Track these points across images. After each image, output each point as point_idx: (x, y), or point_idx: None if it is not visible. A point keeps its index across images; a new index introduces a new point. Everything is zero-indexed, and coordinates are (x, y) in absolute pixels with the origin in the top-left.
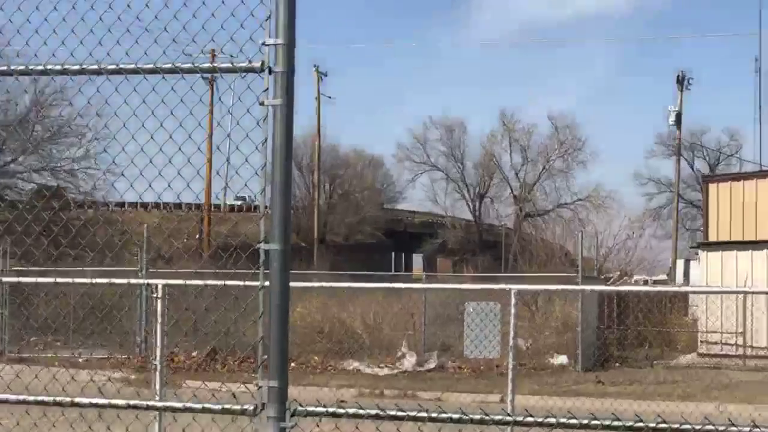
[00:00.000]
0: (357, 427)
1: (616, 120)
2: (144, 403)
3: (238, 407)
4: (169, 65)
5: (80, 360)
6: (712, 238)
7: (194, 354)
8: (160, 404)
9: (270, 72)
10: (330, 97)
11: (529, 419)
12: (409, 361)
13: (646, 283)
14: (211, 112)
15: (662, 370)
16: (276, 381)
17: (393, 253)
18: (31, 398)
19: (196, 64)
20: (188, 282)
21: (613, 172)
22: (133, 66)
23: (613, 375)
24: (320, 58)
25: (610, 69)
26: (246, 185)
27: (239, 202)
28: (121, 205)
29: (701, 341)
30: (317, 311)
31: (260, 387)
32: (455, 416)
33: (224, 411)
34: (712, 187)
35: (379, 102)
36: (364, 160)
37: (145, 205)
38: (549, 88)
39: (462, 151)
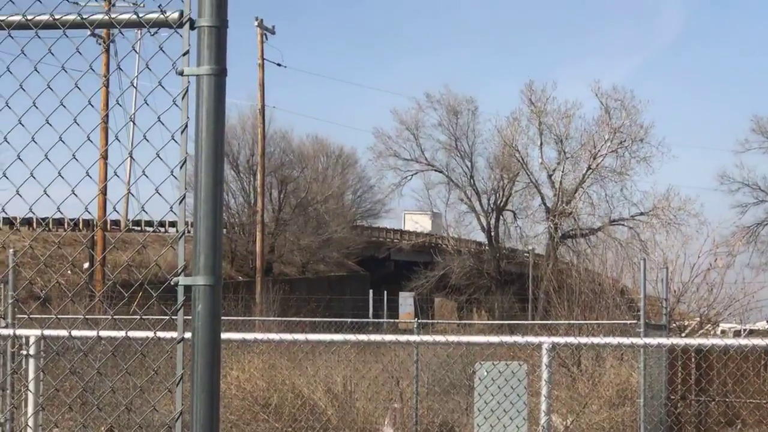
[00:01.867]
0: None
1: (692, 98)
2: None
3: None
4: (45, 17)
5: None
6: None
7: None
8: None
9: (192, 27)
10: (279, 65)
11: None
12: None
13: (738, 334)
14: (107, 85)
15: None
16: None
17: (371, 291)
18: None
19: (84, 16)
20: (74, 333)
21: (689, 174)
22: None
23: None
24: (264, 9)
25: (684, 24)
26: (157, 192)
27: (148, 218)
28: None
29: None
30: (261, 375)
31: None
32: None
33: None
34: None
35: (351, 71)
36: (328, 155)
37: (9, 221)
38: (597, 53)
39: (471, 143)
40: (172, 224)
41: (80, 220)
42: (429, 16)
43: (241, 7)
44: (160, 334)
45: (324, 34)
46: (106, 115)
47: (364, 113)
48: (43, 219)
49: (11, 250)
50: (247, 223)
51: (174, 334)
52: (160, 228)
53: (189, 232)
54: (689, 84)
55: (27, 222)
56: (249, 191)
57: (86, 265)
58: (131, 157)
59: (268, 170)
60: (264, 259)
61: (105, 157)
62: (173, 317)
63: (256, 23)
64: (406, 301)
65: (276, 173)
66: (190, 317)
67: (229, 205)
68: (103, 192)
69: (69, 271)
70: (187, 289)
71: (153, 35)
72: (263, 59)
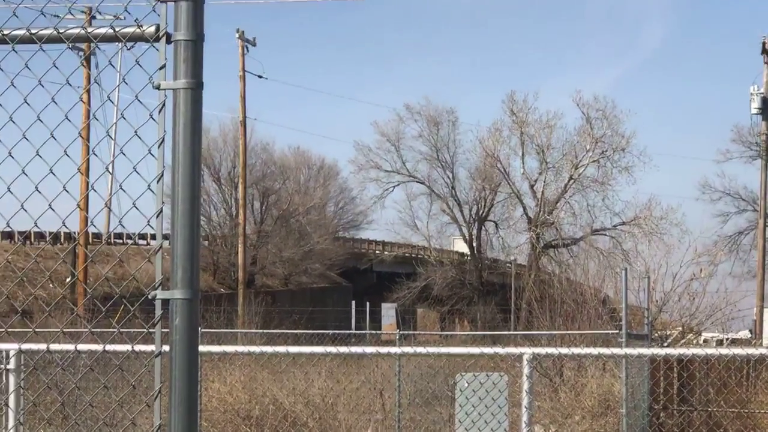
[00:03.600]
0: None
1: (674, 108)
2: None
3: None
4: (22, 31)
5: None
6: None
7: None
8: None
9: (169, 41)
10: (260, 77)
11: None
12: None
13: (720, 343)
14: (87, 101)
15: None
16: None
17: (353, 302)
18: None
19: (61, 30)
20: (52, 346)
21: (671, 183)
22: None
23: None
24: (245, 21)
25: (667, 34)
26: (134, 205)
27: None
28: None
29: None
30: (242, 388)
31: None
32: None
33: None
34: None
35: (331, 83)
36: (310, 167)
37: None
38: (578, 64)
39: (452, 154)
40: (154, 237)
41: (62, 234)
42: (411, 29)
43: (222, 20)
44: (139, 347)
45: (306, 47)
46: (86, 129)
47: (345, 125)
48: (21, 233)
49: None
50: (229, 235)
51: (151, 348)
52: (141, 241)
53: (167, 244)
54: (670, 94)
55: (8, 236)
56: (231, 203)
57: (68, 278)
58: (108, 171)
59: (250, 182)
60: (246, 271)
61: (84, 171)
62: (151, 331)
63: (237, 35)
64: (389, 312)
65: (258, 185)
66: (168, 330)
67: (211, 217)
68: (81, 206)
69: (51, 285)
70: (165, 302)
71: (129, 50)
72: (244, 71)
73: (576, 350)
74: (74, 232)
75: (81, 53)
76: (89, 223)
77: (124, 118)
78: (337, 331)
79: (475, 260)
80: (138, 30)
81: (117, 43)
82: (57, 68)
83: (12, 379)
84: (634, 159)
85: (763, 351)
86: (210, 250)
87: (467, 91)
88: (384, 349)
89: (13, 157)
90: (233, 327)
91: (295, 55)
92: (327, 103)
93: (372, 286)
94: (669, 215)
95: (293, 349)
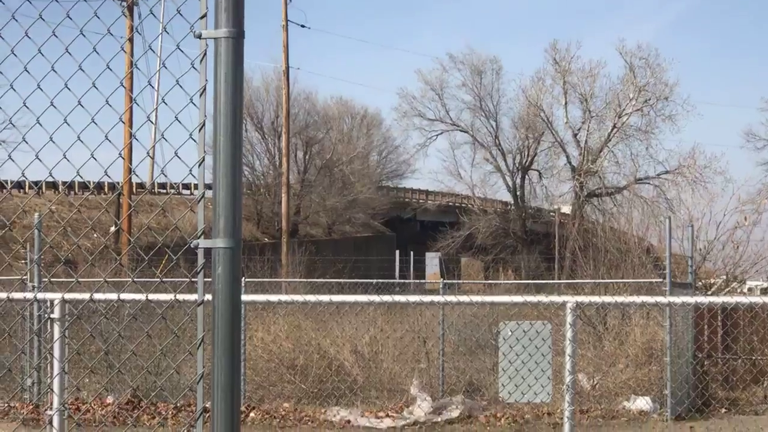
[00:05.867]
0: None
1: (717, 56)
2: None
3: None
4: None
5: None
6: None
7: (109, 400)
8: None
9: None
10: (303, 26)
11: None
12: (421, 408)
13: (764, 292)
14: (131, 51)
15: None
16: None
17: (397, 252)
18: None
19: None
20: (96, 296)
21: (715, 131)
22: None
23: (718, 425)
24: None
25: None
26: (176, 155)
27: (172, 180)
28: None
29: None
30: (286, 337)
31: None
32: None
33: None
34: None
35: (374, 32)
36: (353, 116)
37: (33, 185)
38: (620, 10)
39: (496, 103)
40: (197, 186)
41: (105, 184)
42: None
43: None
44: (182, 296)
45: None
46: (129, 79)
47: (388, 74)
48: (64, 183)
49: (36, 214)
50: (273, 185)
51: (194, 297)
52: (184, 190)
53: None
54: (714, 41)
55: (53, 185)
56: (274, 153)
57: (113, 227)
58: (150, 120)
59: (293, 132)
60: (290, 220)
61: (127, 121)
62: (193, 280)
63: None
64: (432, 261)
65: (301, 135)
66: (210, 279)
67: (254, 167)
68: (124, 156)
69: (95, 234)
70: (208, 251)
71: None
72: (287, 21)
73: (619, 299)
74: (117, 182)
75: (123, 3)
76: (132, 173)
77: (166, 68)
78: (381, 281)
79: (518, 209)
80: None
81: None
82: (99, 18)
83: (56, 328)
84: (678, 107)
85: None
86: (254, 200)
87: (510, 40)
88: (427, 298)
89: (55, 107)
90: (277, 276)
91: (337, 4)
92: (369, 52)
93: (416, 235)
94: (713, 163)
95: (336, 297)
